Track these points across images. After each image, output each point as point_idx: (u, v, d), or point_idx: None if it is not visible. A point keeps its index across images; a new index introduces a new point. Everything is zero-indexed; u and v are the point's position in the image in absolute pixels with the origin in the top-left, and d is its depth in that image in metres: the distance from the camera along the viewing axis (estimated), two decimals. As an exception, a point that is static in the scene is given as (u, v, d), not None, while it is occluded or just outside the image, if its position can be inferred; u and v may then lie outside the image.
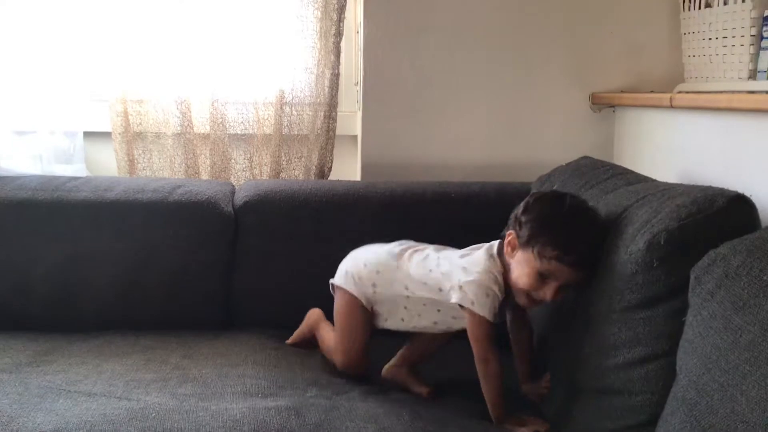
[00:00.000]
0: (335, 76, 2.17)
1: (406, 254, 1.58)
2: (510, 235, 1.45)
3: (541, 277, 1.39)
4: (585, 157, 1.87)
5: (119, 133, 2.13)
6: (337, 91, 2.18)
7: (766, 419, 0.90)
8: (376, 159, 2.21)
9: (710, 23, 1.85)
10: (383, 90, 2.19)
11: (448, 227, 1.90)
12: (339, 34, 2.14)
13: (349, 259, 1.66)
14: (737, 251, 1.09)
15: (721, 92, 1.76)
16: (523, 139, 2.24)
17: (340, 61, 2.17)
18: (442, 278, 1.50)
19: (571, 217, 1.41)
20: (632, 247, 1.28)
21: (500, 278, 1.45)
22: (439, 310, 1.53)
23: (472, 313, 1.44)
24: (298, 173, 2.22)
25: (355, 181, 2.18)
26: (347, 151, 2.30)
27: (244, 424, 1.33)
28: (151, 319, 1.84)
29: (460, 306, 1.46)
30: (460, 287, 1.45)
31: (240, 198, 1.93)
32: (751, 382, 0.94)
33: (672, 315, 1.21)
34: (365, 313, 1.59)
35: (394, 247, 1.62)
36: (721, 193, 1.27)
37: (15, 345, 1.68)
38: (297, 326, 1.78)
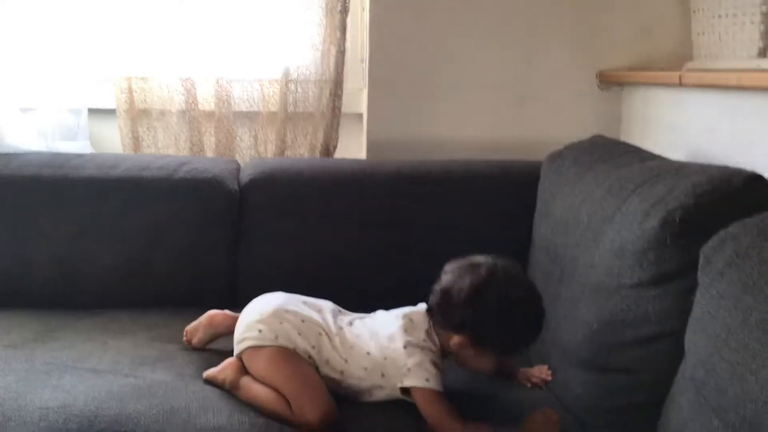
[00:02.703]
0: (341, 53, 2.15)
1: (335, 329, 1.43)
2: (461, 339, 1.36)
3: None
4: (598, 136, 1.86)
5: (124, 110, 2.12)
6: (342, 69, 2.17)
7: (775, 399, 0.90)
8: (382, 137, 2.20)
9: (720, 0, 1.83)
10: (389, 67, 2.17)
11: (454, 206, 1.90)
12: (345, 11, 2.11)
13: (266, 321, 1.42)
14: (747, 231, 1.09)
15: (730, 70, 1.74)
16: (530, 117, 2.22)
17: (346, 37, 2.15)
18: (384, 363, 1.38)
19: (528, 313, 1.37)
20: (645, 223, 1.27)
21: (439, 350, 1.40)
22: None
23: (425, 392, 1.34)
24: (303, 151, 2.21)
25: (360, 160, 2.18)
26: (353, 130, 2.28)
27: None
28: (156, 296, 1.84)
29: (405, 390, 1.36)
30: (409, 369, 1.35)
31: (245, 176, 1.93)
32: (760, 362, 0.93)
33: (683, 293, 1.20)
34: (304, 359, 1.40)
35: (316, 315, 1.45)
36: (738, 172, 1.26)
37: (21, 322, 1.68)
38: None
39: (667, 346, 1.23)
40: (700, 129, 1.82)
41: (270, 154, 2.20)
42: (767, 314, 0.95)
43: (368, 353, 1.39)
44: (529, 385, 1.54)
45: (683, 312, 1.17)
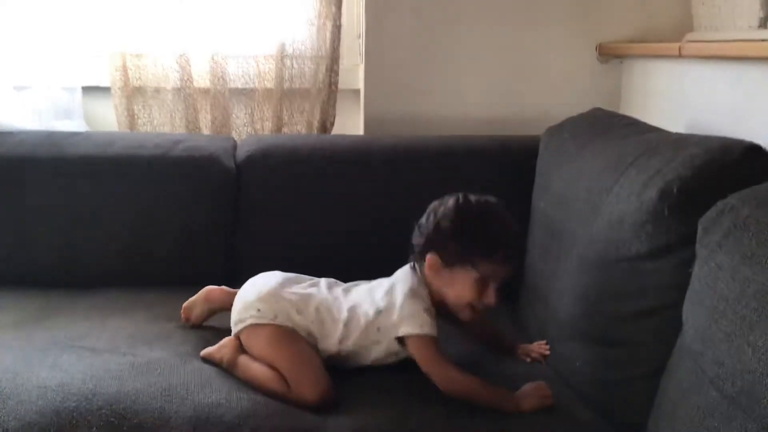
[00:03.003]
0: (337, 28, 2.13)
1: (331, 299, 1.44)
2: (431, 259, 1.39)
3: (481, 284, 1.37)
4: (597, 109, 1.84)
5: (118, 88, 2.10)
6: (339, 44, 2.15)
7: (773, 369, 0.89)
8: (379, 113, 2.18)
9: (720, -30, 1.81)
10: (386, 43, 2.15)
11: (452, 182, 1.88)
12: (340, -16, 2.10)
13: (265, 300, 1.43)
14: (746, 201, 1.08)
15: (731, 41, 1.72)
16: (529, 91, 2.21)
17: (342, 12, 2.13)
18: (380, 318, 1.39)
19: (485, 214, 1.40)
20: (643, 195, 1.26)
21: (430, 302, 1.40)
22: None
23: (420, 338, 1.36)
24: (300, 128, 2.20)
25: (358, 136, 2.17)
26: (350, 106, 2.27)
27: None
28: (154, 275, 1.84)
29: (400, 339, 1.38)
30: (403, 319, 1.37)
31: (242, 153, 1.92)
32: (758, 333, 0.93)
33: (681, 265, 1.19)
34: (303, 338, 1.41)
35: (313, 290, 1.46)
36: (737, 143, 1.24)
37: (18, 301, 1.68)
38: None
39: (665, 318, 1.22)
40: (700, 100, 1.81)
41: (267, 131, 2.18)
42: (765, 286, 0.94)
43: (366, 312, 1.40)
44: (528, 360, 1.54)
45: (681, 284, 1.16)
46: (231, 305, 1.49)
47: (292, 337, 1.39)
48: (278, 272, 1.52)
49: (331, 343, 1.40)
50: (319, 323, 1.41)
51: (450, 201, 1.42)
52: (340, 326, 1.40)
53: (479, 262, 1.36)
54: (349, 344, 1.40)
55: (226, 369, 1.38)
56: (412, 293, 1.40)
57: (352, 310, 1.42)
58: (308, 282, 1.50)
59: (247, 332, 1.41)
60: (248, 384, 1.34)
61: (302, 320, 1.40)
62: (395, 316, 1.38)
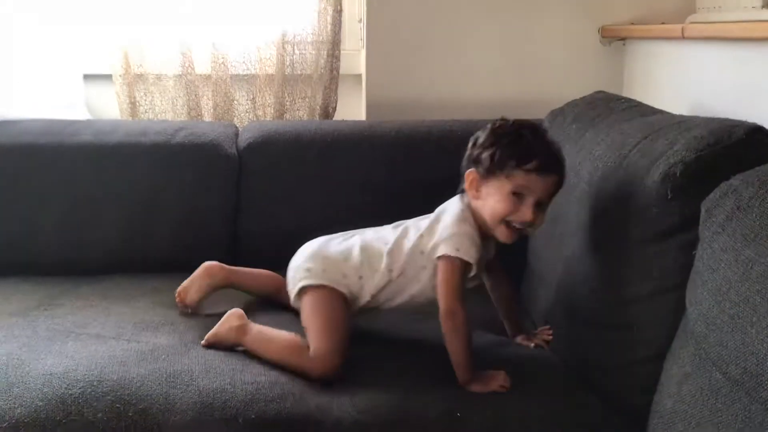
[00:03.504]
0: (338, 13, 2.12)
1: (377, 246, 1.47)
2: (469, 175, 1.41)
3: (516, 198, 1.34)
4: (599, 92, 1.83)
5: (120, 75, 2.10)
6: (340, 29, 2.14)
7: (776, 351, 0.89)
8: (381, 98, 2.18)
9: (723, -50, 1.80)
10: (387, 27, 2.14)
11: (455, 166, 1.88)
12: (341, -31, 2.09)
13: (312, 258, 1.48)
14: (749, 183, 1.07)
15: (734, 22, 1.71)
16: (531, 74, 2.20)
17: (343, -3, 2.12)
18: (423, 240, 1.42)
19: (520, 128, 1.40)
20: (647, 178, 1.26)
21: (476, 228, 1.40)
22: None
23: (450, 260, 1.36)
24: (302, 114, 2.19)
25: (360, 121, 2.16)
26: (352, 91, 2.26)
27: (253, 366, 1.34)
28: (157, 262, 1.84)
29: (438, 258, 1.39)
30: (444, 240, 1.38)
31: (244, 139, 1.91)
32: (761, 314, 0.93)
33: (685, 248, 1.19)
34: (346, 307, 1.45)
35: (356, 242, 1.49)
36: (740, 124, 1.23)
37: (23, 289, 1.69)
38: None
39: (668, 301, 1.22)
40: (703, 82, 1.80)
41: (269, 118, 2.18)
42: (768, 267, 0.94)
43: (411, 237, 1.43)
44: (532, 345, 1.53)
45: (685, 266, 1.16)
46: (230, 282, 1.55)
47: (332, 305, 1.42)
48: (320, 238, 1.54)
49: (377, 279, 1.43)
50: (366, 263, 1.44)
51: (492, 125, 1.44)
52: (385, 257, 1.43)
53: (513, 173, 1.34)
54: (395, 273, 1.43)
55: (235, 341, 1.40)
56: (456, 217, 1.41)
57: (398, 239, 1.45)
58: (353, 232, 1.53)
59: (302, 300, 1.45)
60: (259, 350, 1.36)
61: (350, 267, 1.44)
62: (436, 237, 1.40)
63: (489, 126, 1.43)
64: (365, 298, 1.45)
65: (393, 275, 1.43)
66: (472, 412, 1.27)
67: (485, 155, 1.38)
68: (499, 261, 1.52)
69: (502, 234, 1.38)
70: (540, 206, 1.36)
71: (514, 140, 1.37)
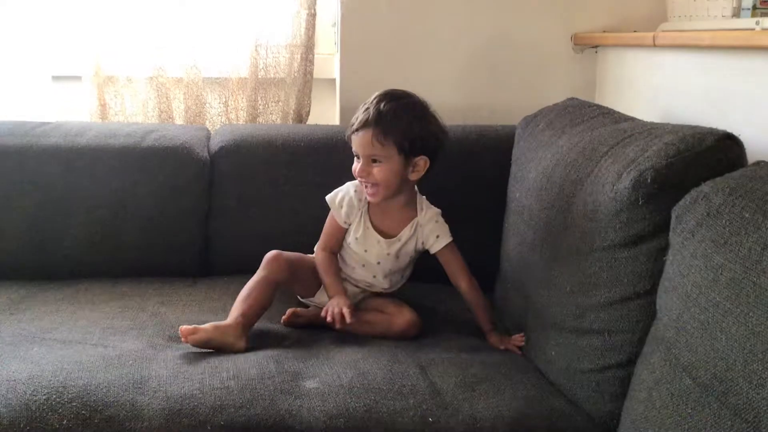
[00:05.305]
0: (311, 17, 2.11)
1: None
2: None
3: (357, 159, 1.57)
4: (572, 98, 1.84)
5: (90, 77, 2.07)
6: (313, 33, 2.13)
7: (745, 356, 0.90)
8: (355, 102, 2.13)
9: (694, -41, 1.81)
10: (361, 31, 2.14)
11: (428, 171, 1.88)
12: (315, -28, 2.08)
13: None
14: (719, 189, 1.08)
15: (704, 30, 1.73)
16: (505, 81, 2.20)
17: (316, 0, 2.11)
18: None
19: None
20: (618, 185, 1.26)
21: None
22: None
23: (453, 243, 1.60)
24: (275, 118, 2.17)
25: (333, 126, 2.15)
26: (325, 95, 2.25)
27: (222, 371, 1.32)
28: (127, 266, 1.82)
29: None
30: (438, 236, 1.61)
31: (216, 143, 1.89)
32: (731, 320, 0.93)
33: (655, 254, 1.20)
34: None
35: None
36: (710, 131, 1.25)
37: (-12, 294, 1.66)
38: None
39: (639, 307, 1.22)
40: (674, 89, 1.81)
41: (241, 121, 2.16)
42: (737, 273, 0.95)
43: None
44: (501, 347, 1.55)
45: (655, 272, 1.17)
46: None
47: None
48: None
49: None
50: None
51: None
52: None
53: (350, 138, 1.58)
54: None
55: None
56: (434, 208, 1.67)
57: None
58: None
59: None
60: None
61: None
62: (432, 229, 1.63)
63: None
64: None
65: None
66: (443, 417, 1.26)
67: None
68: (467, 270, 1.62)
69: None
70: (376, 162, 1.54)
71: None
